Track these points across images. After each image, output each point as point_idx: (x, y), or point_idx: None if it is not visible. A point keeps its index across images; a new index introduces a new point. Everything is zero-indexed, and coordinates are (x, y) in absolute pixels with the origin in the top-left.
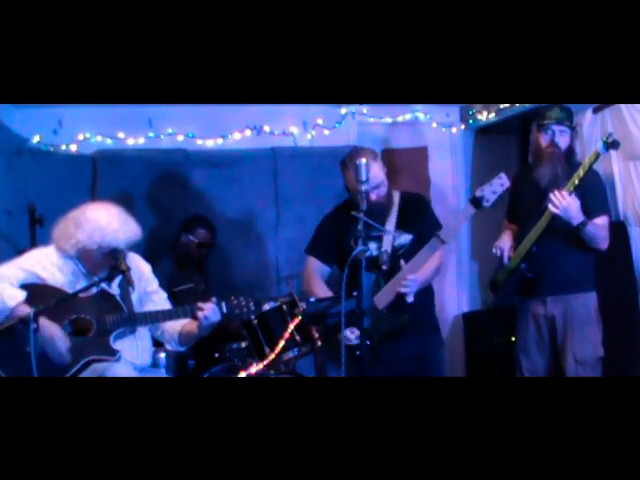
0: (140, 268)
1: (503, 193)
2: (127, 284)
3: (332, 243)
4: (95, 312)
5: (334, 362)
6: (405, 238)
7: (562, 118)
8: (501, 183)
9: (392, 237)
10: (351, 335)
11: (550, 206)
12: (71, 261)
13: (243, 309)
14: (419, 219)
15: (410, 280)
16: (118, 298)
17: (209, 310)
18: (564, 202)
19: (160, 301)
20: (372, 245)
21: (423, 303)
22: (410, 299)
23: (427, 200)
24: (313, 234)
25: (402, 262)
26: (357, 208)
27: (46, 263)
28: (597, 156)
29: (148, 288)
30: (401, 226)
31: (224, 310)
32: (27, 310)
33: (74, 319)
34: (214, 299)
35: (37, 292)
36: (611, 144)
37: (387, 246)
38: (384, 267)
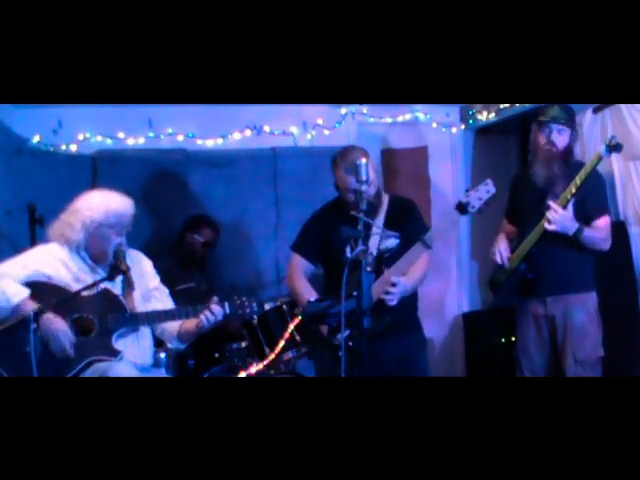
0: (141, 265)
1: (489, 200)
2: (128, 284)
3: (318, 242)
4: (97, 311)
5: (314, 360)
6: (391, 242)
7: (561, 117)
8: (487, 190)
9: (378, 240)
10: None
11: (546, 224)
12: (76, 255)
13: (246, 309)
14: (407, 223)
15: (395, 282)
16: (121, 297)
17: (215, 311)
18: (556, 216)
19: (162, 297)
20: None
21: (405, 305)
22: (393, 303)
23: (415, 205)
24: (300, 231)
25: (385, 270)
26: (346, 207)
27: (49, 258)
28: (599, 159)
29: (150, 284)
30: (388, 229)
31: (227, 310)
32: (32, 306)
33: (76, 318)
34: (215, 299)
35: (40, 290)
36: (614, 147)
37: (373, 248)
38: (368, 269)
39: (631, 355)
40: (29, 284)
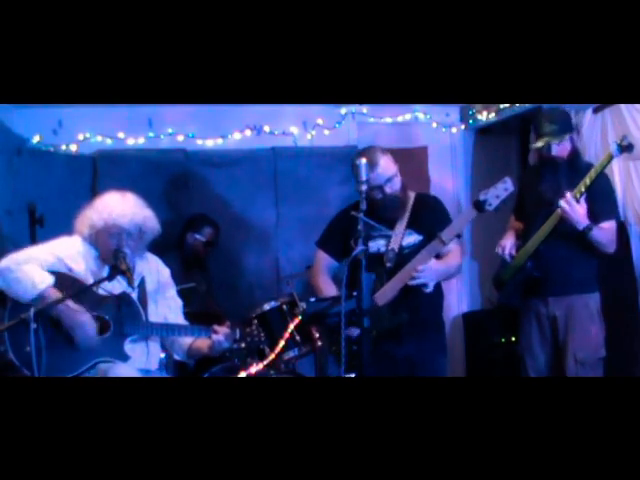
0: (159, 272)
1: (507, 198)
2: (144, 289)
3: (342, 239)
4: (114, 314)
5: (335, 358)
6: (414, 238)
7: (555, 132)
8: (505, 187)
9: (401, 236)
10: (353, 328)
11: (559, 210)
12: (93, 251)
13: (254, 338)
14: (432, 221)
15: (422, 270)
16: (139, 304)
17: (223, 335)
18: (569, 207)
19: (175, 309)
20: (380, 242)
21: (429, 304)
22: (429, 289)
23: (441, 202)
24: (325, 228)
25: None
26: (371, 206)
27: (73, 251)
28: (610, 159)
29: (166, 293)
30: (412, 225)
31: (237, 336)
32: (55, 295)
33: (94, 317)
34: (228, 323)
35: (60, 281)
36: (625, 147)
37: (394, 244)
38: (388, 264)
39: (631, 355)
40: (51, 273)
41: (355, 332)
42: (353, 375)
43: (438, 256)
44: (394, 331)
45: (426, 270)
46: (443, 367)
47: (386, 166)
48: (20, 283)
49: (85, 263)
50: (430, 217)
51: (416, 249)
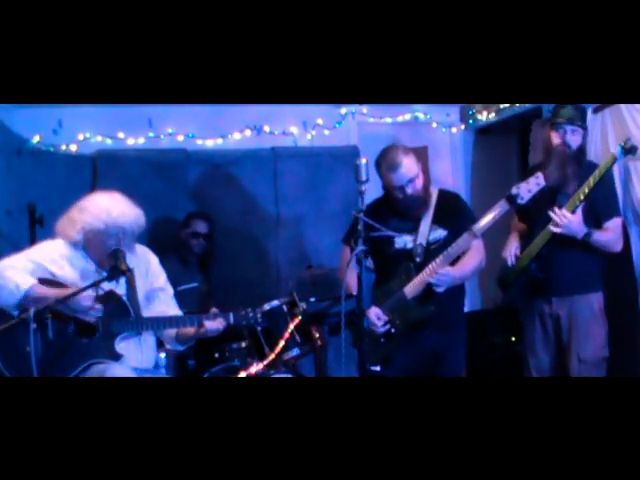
0: (147, 261)
1: (538, 192)
2: (130, 286)
3: (368, 235)
4: (102, 313)
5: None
6: (440, 233)
7: (575, 117)
8: (537, 182)
9: (427, 231)
10: (378, 322)
11: (551, 227)
12: (80, 253)
13: (250, 320)
14: (455, 216)
15: (441, 274)
16: (126, 300)
17: (218, 323)
18: (564, 221)
19: (166, 299)
20: (407, 237)
21: (451, 299)
22: (440, 290)
23: (462, 199)
24: (350, 225)
25: (434, 260)
26: (394, 204)
27: (55, 256)
28: (614, 161)
29: (155, 284)
30: (437, 221)
31: (231, 320)
32: (43, 291)
33: (80, 319)
34: (215, 310)
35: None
36: (629, 149)
37: (422, 239)
38: (417, 259)
39: (631, 356)
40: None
41: (379, 324)
42: (378, 368)
43: (458, 257)
44: (420, 323)
45: (444, 276)
46: (462, 360)
47: (409, 166)
48: (3, 289)
49: (71, 266)
50: (453, 213)
51: (442, 244)
